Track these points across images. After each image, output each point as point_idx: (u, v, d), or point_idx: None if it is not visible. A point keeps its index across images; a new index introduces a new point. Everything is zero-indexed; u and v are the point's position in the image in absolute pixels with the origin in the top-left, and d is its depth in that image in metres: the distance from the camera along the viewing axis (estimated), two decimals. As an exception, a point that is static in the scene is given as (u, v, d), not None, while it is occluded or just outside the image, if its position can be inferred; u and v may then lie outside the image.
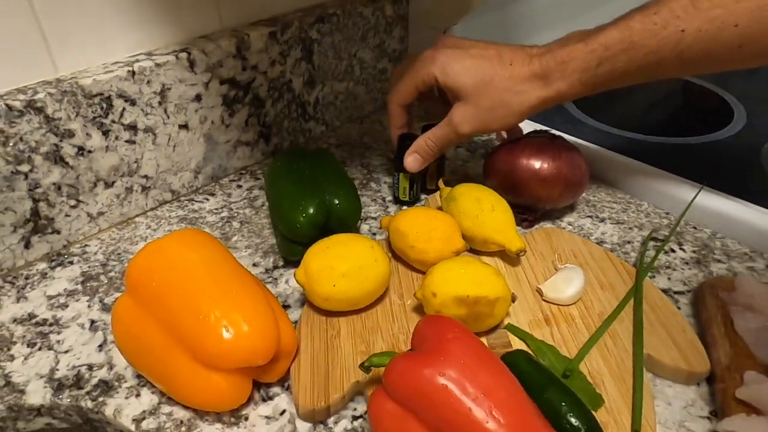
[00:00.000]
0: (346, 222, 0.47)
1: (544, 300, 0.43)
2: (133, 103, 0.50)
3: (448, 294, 0.38)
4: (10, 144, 0.44)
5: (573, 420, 0.33)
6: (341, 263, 0.40)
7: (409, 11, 0.69)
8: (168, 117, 0.53)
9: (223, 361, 0.34)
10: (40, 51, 0.46)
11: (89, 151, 0.49)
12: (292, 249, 0.46)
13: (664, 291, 0.46)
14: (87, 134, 0.48)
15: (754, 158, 0.60)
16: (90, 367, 0.41)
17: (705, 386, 0.38)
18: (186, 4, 0.53)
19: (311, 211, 0.45)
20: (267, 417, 0.37)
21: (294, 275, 0.41)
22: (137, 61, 0.50)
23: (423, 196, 0.57)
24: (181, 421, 0.37)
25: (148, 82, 0.50)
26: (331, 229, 0.46)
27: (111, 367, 0.41)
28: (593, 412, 0.34)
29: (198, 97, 0.54)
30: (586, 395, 0.36)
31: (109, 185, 0.52)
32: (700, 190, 0.53)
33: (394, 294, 0.44)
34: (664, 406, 0.37)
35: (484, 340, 0.40)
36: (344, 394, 0.37)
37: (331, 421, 0.37)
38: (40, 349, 0.42)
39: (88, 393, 0.39)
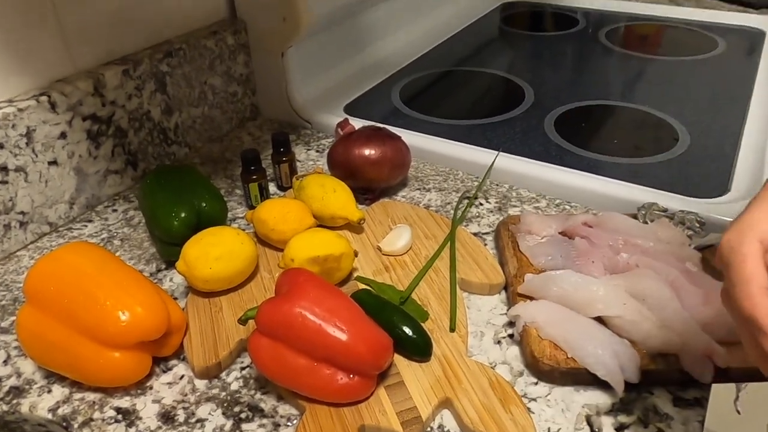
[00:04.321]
0: (215, 220, 0.55)
1: (384, 254, 0.54)
2: (0, 146, 0.55)
3: (302, 257, 0.48)
4: None
5: (404, 328, 0.44)
6: (214, 249, 0.48)
7: (249, 39, 0.79)
8: (36, 156, 0.58)
9: (124, 338, 0.42)
10: None
11: (-36, 195, 0.53)
12: (170, 251, 0.54)
13: (475, 234, 0.59)
14: (-41, 179, 0.53)
15: (539, 127, 0.77)
16: (0, 379, 0.46)
17: (504, 294, 0.52)
18: (38, 54, 0.59)
19: (183, 214, 0.53)
20: (169, 383, 0.45)
21: (175, 268, 0.49)
22: (0, 108, 0.55)
23: (281, 194, 0.66)
24: (94, 402, 0.44)
25: (13, 126, 0.55)
26: (203, 229, 0.54)
27: (19, 375, 0.46)
28: (421, 323, 0.46)
29: (63, 135, 0.60)
30: (416, 313, 0.47)
31: (-13, 225, 0.56)
32: (497, 156, 0.67)
33: (265, 271, 0.53)
34: (476, 312, 0.50)
35: (339, 291, 0.51)
36: (231, 350, 0.45)
37: (223, 374, 0.45)
38: (-55, 375, 0.46)
39: (1, 399, 0.44)
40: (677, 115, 0.78)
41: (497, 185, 0.67)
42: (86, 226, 0.63)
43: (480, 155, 0.69)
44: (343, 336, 0.39)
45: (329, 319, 0.39)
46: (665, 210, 0.57)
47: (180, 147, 0.74)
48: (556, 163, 0.67)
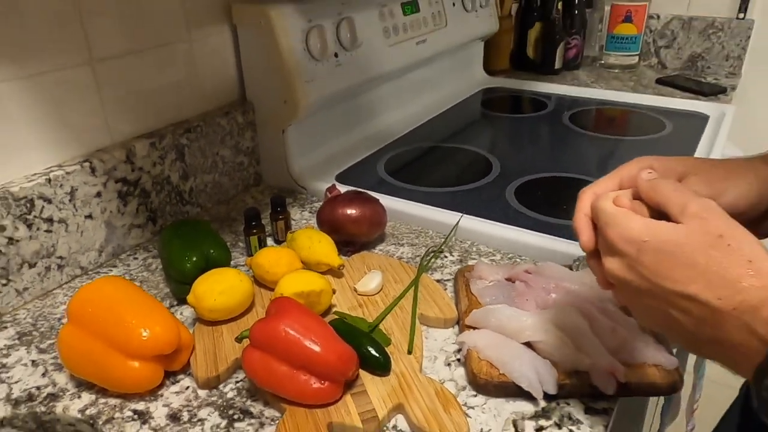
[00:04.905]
0: (221, 265, 0.66)
1: (359, 294, 0.65)
2: (49, 201, 0.68)
3: (289, 291, 0.59)
4: (-42, 239, 0.60)
5: (370, 348, 0.54)
6: (218, 285, 0.60)
7: (255, 118, 0.93)
8: (76, 210, 0.71)
9: (144, 350, 0.52)
10: (-24, 171, 0.63)
11: (17, 241, 0.65)
12: (182, 289, 0.65)
13: (438, 280, 0.70)
14: (15, 227, 0.65)
15: (501, 194, 0.89)
16: (38, 388, 0.56)
17: (456, 328, 0.62)
18: (84, 128, 0.72)
19: (194, 259, 0.64)
20: (176, 392, 0.55)
21: (187, 300, 0.60)
22: (52, 171, 0.68)
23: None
24: (115, 405, 0.54)
25: (61, 185, 0.68)
26: (210, 271, 0.65)
27: (55, 385, 0.56)
28: (385, 347, 0.56)
29: (99, 194, 0.73)
30: (381, 338, 0.58)
31: (32, 266, 0.68)
32: (460, 218, 0.79)
33: (259, 306, 0.64)
34: (432, 341, 0.60)
35: (320, 323, 0.61)
36: (228, 366, 0.56)
37: (221, 386, 0.55)
38: (-6, 384, 0.56)
39: (40, 403, 0.54)
40: (621, 186, 0.91)
41: (461, 242, 0.79)
42: (111, 270, 0.74)
43: (448, 217, 0.81)
44: (317, 348, 0.49)
45: (306, 335, 0.50)
46: (596, 262, 0.68)
47: (193, 207, 0.87)
48: (511, 224, 0.79)
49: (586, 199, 0.46)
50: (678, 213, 0.39)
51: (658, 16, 1.55)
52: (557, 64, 1.54)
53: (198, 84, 0.86)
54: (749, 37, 1.47)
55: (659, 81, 1.45)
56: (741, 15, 1.46)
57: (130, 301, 0.55)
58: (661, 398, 0.96)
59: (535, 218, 0.82)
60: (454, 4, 1.25)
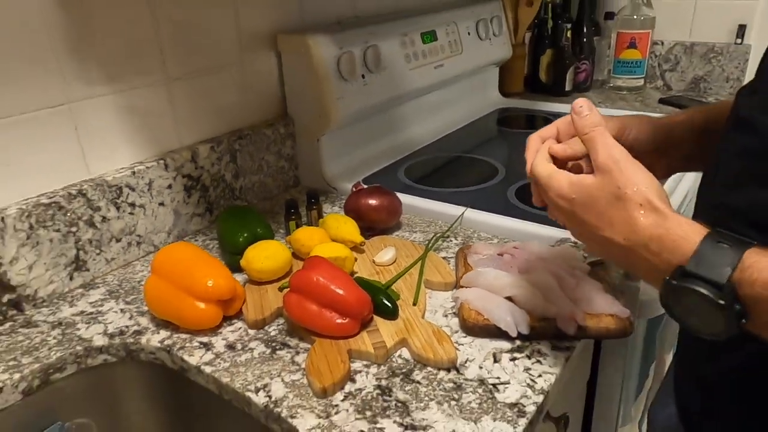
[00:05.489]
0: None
1: (376, 265, 0.80)
2: (133, 189, 0.85)
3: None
4: (67, 215, 0.78)
5: (383, 298, 0.69)
6: (265, 251, 0.76)
7: (295, 129, 1.10)
8: (152, 198, 0.88)
9: (209, 295, 0.68)
10: (81, 165, 0.81)
11: (108, 219, 0.83)
12: (234, 259, 0.81)
13: (444, 258, 0.84)
14: (108, 209, 0.82)
15: (503, 193, 1.04)
16: (126, 327, 0.72)
17: (455, 290, 0.76)
18: (160, 135, 0.90)
19: (245, 234, 0.81)
20: (232, 331, 0.71)
21: (239, 265, 0.77)
22: (136, 166, 0.86)
23: (312, 232, 0.94)
24: (186, 338, 0.69)
25: (142, 177, 0.86)
26: (257, 246, 0.81)
27: (139, 325, 0.73)
28: (395, 300, 0.71)
29: (170, 186, 0.90)
30: (392, 294, 0.72)
31: (118, 240, 0.85)
32: (465, 210, 0.94)
33: (296, 273, 0.80)
34: (434, 300, 0.75)
35: (344, 284, 0.76)
36: (272, 312, 0.71)
37: (266, 327, 0.71)
38: (93, 324, 0.73)
39: (129, 336, 0.71)
40: (610, 187, 1.04)
41: (465, 230, 0.93)
42: (177, 248, 0.91)
43: (456, 210, 0.96)
44: (341, 291, 0.64)
45: (333, 282, 0.65)
46: (575, 243, 0.82)
47: (242, 202, 1.04)
48: (508, 215, 0.93)
49: (533, 141, 0.63)
50: (593, 160, 0.51)
51: (662, 42, 1.68)
52: (568, 87, 1.68)
53: (248, 100, 1.04)
54: (747, 60, 1.58)
55: (661, 101, 1.58)
56: (738, 40, 1.58)
57: (199, 259, 0.71)
58: (649, 379, 1.07)
59: (529, 211, 0.96)
60: (469, 33, 1.41)
